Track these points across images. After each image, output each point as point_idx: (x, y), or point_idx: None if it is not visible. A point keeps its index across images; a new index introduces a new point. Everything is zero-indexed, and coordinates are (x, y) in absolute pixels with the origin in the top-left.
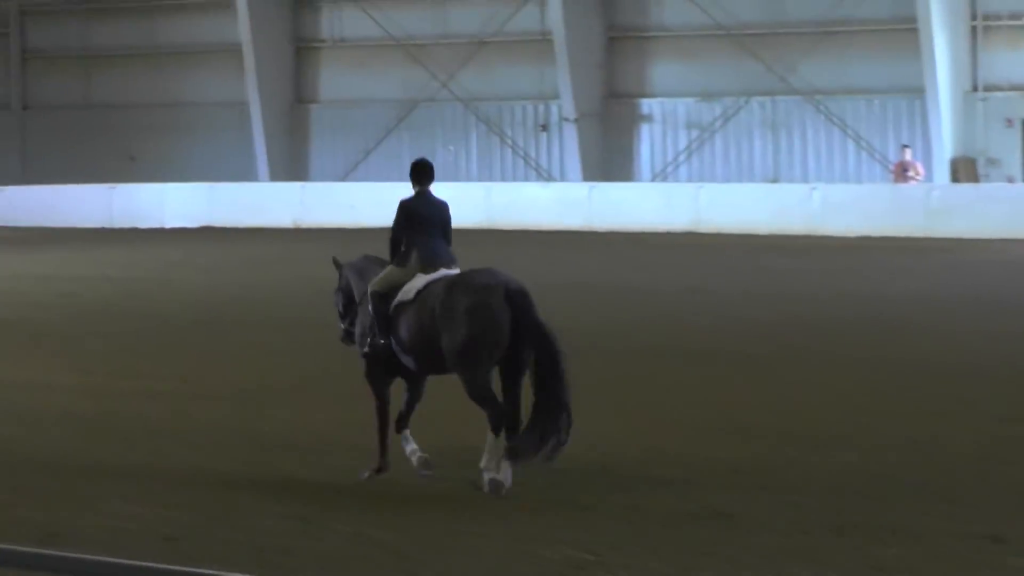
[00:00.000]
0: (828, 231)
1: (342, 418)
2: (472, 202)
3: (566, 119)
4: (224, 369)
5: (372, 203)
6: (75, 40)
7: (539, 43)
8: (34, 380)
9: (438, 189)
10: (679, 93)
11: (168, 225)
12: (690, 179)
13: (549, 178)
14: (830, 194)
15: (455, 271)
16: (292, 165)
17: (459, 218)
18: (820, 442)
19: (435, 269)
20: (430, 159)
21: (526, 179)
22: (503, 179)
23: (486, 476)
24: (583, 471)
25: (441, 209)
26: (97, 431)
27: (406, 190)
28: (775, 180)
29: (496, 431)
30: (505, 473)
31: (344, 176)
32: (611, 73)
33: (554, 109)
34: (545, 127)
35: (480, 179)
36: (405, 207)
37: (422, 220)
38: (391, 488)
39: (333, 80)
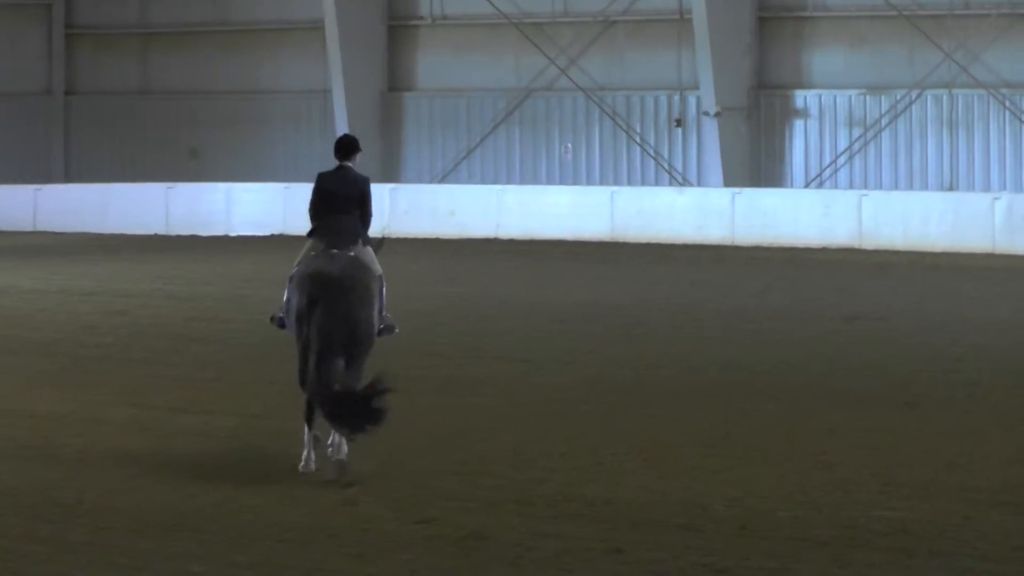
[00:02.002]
0: (1014, 249)
1: (476, 455)
2: (594, 209)
3: (706, 113)
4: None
5: (475, 210)
6: (130, 15)
7: (676, 23)
8: (79, 414)
9: (557, 193)
10: (840, 84)
11: (235, 233)
12: (852, 185)
13: (685, 182)
14: (1017, 205)
15: (349, 251)
16: (382, 164)
17: (578, 227)
18: (1001, 501)
19: (329, 248)
20: (542, 156)
21: (658, 183)
22: (631, 183)
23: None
24: (721, 527)
25: (352, 184)
26: (152, 471)
27: (515, 195)
28: (952, 188)
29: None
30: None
31: (443, 178)
32: (761, 60)
33: (692, 101)
34: (681, 122)
35: (604, 182)
36: (316, 182)
37: (329, 196)
38: None
39: (432, 65)
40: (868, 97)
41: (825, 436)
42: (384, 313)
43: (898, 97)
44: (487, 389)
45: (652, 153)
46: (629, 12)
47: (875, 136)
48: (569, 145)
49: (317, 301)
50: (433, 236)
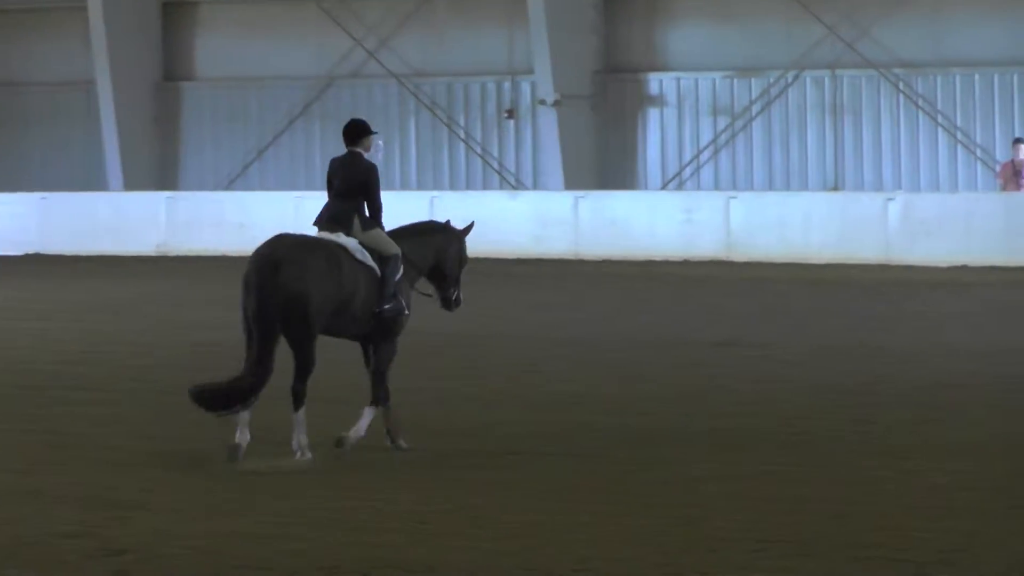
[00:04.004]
0: (912, 258)
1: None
2: (411, 217)
3: (543, 102)
4: (70, 469)
5: (269, 221)
6: None
7: None
8: None
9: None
10: (703, 66)
11: None
12: (718, 186)
13: (519, 185)
14: (914, 207)
15: (336, 236)
16: (157, 167)
17: None
18: (897, 559)
19: (319, 231)
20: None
21: (486, 186)
22: (454, 186)
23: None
24: None
25: (353, 171)
26: None
27: (316, 202)
28: (837, 187)
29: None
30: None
31: (230, 183)
32: (608, 39)
33: (526, 89)
34: (513, 113)
35: (422, 186)
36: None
37: (330, 182)
38: None
39: (215, 49)
40: (736, 80)
41: (690, 485)
42: (396, 294)
43: (772, 80)
44: (287, 435)
45: (479, 151)
46: None
47: (745, 126)
48: (380, 142)
49: (249, 284)
50: (219, 252)
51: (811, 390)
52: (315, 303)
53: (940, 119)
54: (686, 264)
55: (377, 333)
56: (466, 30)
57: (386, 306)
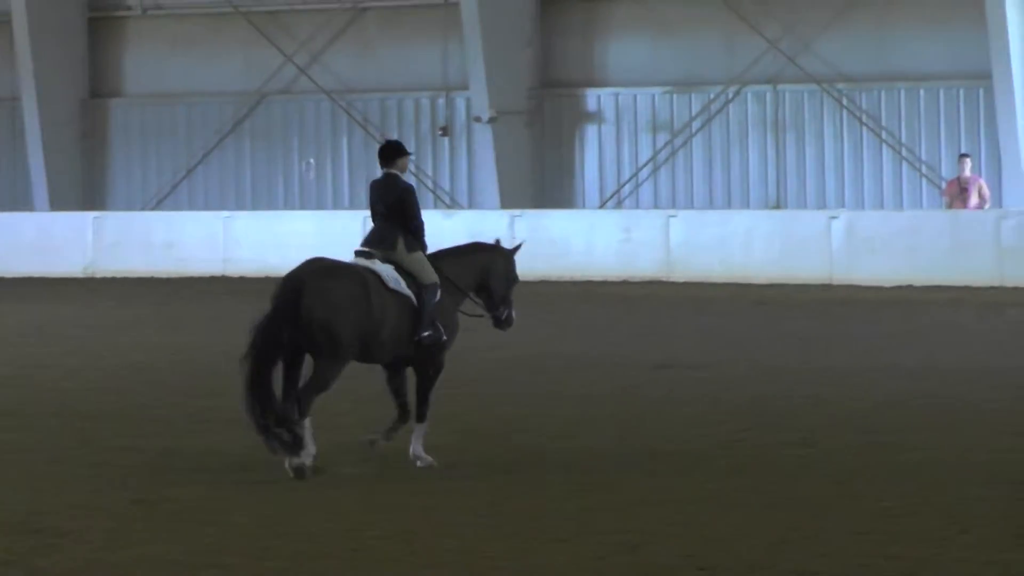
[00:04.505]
0: (855, 278)
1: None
2: (343, 238)
3: (478, 119)
4: None
5: (198, 241)
6: None
7: (440, 10)
8: None
9: (297, 219)
10: (642, 81)
11: None
12: (657, 204)
13: (453, 204)
14: (858, 225)
15: (374, 263)
16: (83, 186)
17: None
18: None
19: (356, 255)
20: (278, 174)
21: (420, 205)
22: None
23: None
24: None
25: (389, 192)
26: None
27: (247, 222)
28: (778, 206)
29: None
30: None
31: (158, 203)
32: (544, 53)
33: (461, 105)
34: (447, 130)
35: (354, 205)
36: None
37: (372, 205)
38: None
39: (143, 65)
40: (676, 96)
41: (629, 510)
42: (434, 321)
43: (712, 95)
44: (213, 461)
45: (413, 169)
46: None
47: (685, 143)
48: (311, 160)
49: (274, 306)
50: (147, 274)
51: (752, 412)
52: (340, 329)
53: (884, 135)
54: (625, 284)
55: (418, 358)
56: (399, 45)
57: (424, 333)
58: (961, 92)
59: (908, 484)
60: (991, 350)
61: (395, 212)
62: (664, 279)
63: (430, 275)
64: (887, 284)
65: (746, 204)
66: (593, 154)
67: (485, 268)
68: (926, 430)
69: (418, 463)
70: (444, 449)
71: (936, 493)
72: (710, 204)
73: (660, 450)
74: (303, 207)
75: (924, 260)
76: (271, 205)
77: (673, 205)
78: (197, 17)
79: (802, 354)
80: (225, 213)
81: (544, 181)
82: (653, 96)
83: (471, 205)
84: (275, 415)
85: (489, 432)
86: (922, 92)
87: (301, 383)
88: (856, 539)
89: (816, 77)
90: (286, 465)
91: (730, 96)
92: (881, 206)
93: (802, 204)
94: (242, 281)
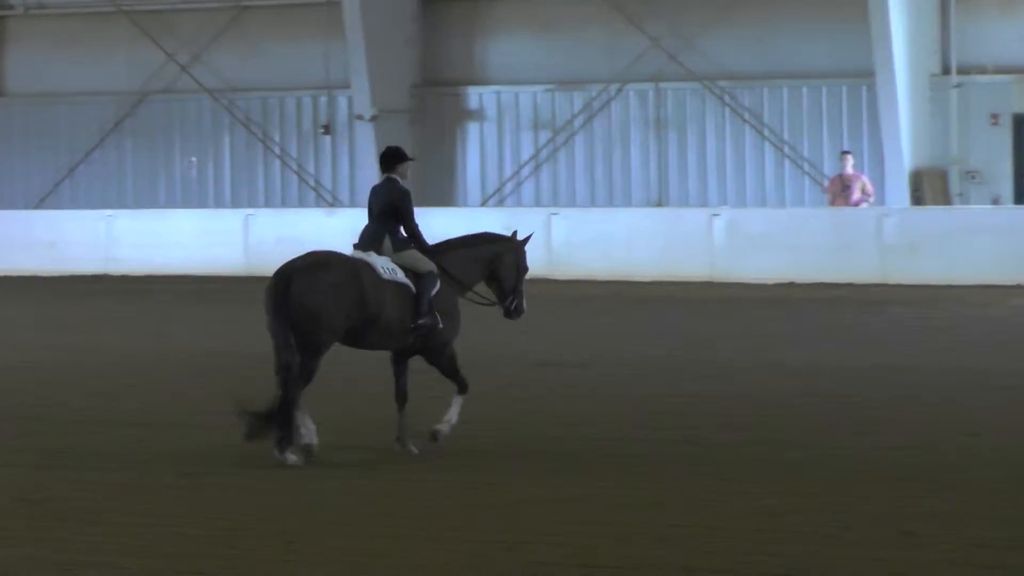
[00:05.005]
0: (737, 276)
1: None
2: (226, 237)
3: (360, 117)
4: None
5: (80, 240)
6: None
7: (323, 9)
8: None
9: (180, 218)
10: (524, 79)
11: None
12: (539, 202)
13: (335, 202)
14: (740, 222)
15: (371, 255)
16: None
17: (207, 258)
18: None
19: (355, 250)
20: (160, 173)
21: (302, 203)
22: (269, 203)
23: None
24: None
25: (382, 195)
26: None
27: (129, 221)
28: (660, 204)
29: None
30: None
31: (40, 202)
32: (426, 51)
33: (343, 103)
34: (329, 129)
35: (236, 204)
36: None
37: (370, 206)
38: None
39: (24, 64)
40: (558, 94)
41: (510, 510)
42: (431, 310)
43: (594, 93)
44: (96, 461)
45: (295, 167)
46: None
47: (567, 141)
48: (193, 159)
49: (267, 297)
50: (29, 273)
51: (636, 410)
52: (326, 318)
53: (767, 132)
54: None
55: (425, 346)
56: (282, 43)
57: (420, 321)
58: (844, 90)
59: (791, 482)
60: (873, 348)
61: (387, 215)
62: (546, 277)
63: (425, 264)
64: (770, 281)
65: (628, 202)
66: (475, 152)
67: (493, 259)
68: (809, 428)
69: (440, 430)
70: (323, 447)
71: (819, 491)
72: (592, 202)
73: (543, 448)
74: (185, 206)
75: (806, 258)
76: (153, 204)
77: (555, 203)
78: (80, 16)
79: (685, 352)
80: (107, 212)
81: (426, 179)
82: (535, 94)
83: (353, 203)
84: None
85: (371, 432)
86: (805, 90)
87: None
88: (738, 536)
89: (699, 75)
90: (275, 455)
91: (612, 94)
92: (764, 204)
93: (684, 202)
94: (124, 280)
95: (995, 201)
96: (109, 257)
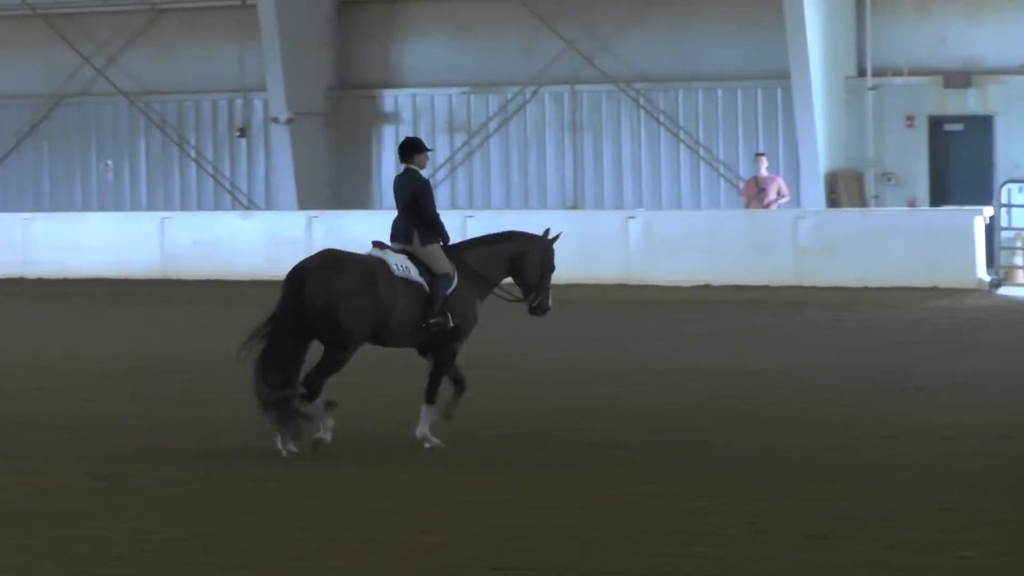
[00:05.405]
0: (653, 278)
1: None
2: (141, 239)
3: (275, 120)
4: None
5: None
6: None
7: (238, 12)
8: None
9: (96, 221)
10: (440, 82)
11: None
12: (455, 204)
13: (251, 205)
14: (656, 225)
15: (386, 253)
16: None
17: (123, 261)
18: None
19: (373, 246)
20: (76, 176)
21: (218, 206)
22: (185, 206)
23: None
24: None
25: (401, 186)
26: None
27: (44, 224)
28: (575, 206)
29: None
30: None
31: None
32: (341, 54)
33: (258, 106)
34: (245, 132)
35: (152, 207)
36: None
37: (394, 199)
38: None
39: None
40: (473, 96)
41: (429, 512)
42: (443, 310)
43: (510, 96)
44: (11, 464)
45: (211, 170)
46: None
47: (482, 143)
48: (109, 162)
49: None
50: None
51: (553, 412)
52: (342, 316)
53: (682, 135)
54: None
55: (435, 343)
56: (197, 47)
57: (432, 320)
58: (759, 92)
59: (709, 484)
60: (789, 350)
61: (410, 207)
62: None
63: (442, 266)
64: (685, 284)
65: (544, 204)
66: (391, 155)
67: (514, 256)
68: (726, 430)
69: (426, 445)
70: (238, 450)
71: (736, 493)
72: (508, 204)
73: (461, 451)
74: (101, 209)
75: (722, 260)
76: (69, 207)
77: (471, 205)
78: None
79: (601, 354)
80: (23, 215)
81: (341, 182)
82: (450, 97)
83: (269, 206)
84: (278, 397)
85: None
86: (720, 92)
87: (304, 369)
88: (659, 538)
89: (614, 77)
90: (278, 445)
91: (528, 96)
92: (679, 206)
93: (600, 204)
94: (40, 283)
95: (911, 203)
96: (26, 260)
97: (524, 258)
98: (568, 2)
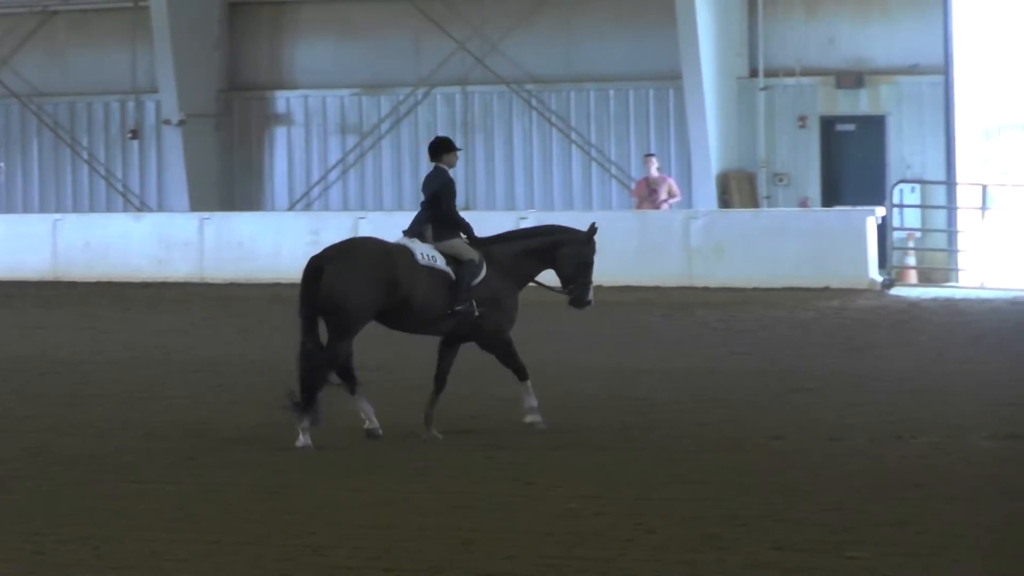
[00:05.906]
0: (543, 279)
1: None
2: (32, 241)
3: (167, 122)
4: None
5: None
6: None
7: (130, 14)
8: None
9: None
10: (330, 83)
11: None
12: (346, 206)
13: (143, 207)
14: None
15: (413, 242)
16: None
17: (13, 263)
18: None
19: (402, 235)
20: None
21: (110, 208)
22: (77, 208)
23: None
24: None
25: (428, 182)
26: None
27: None
28: (467, 207)
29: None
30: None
31: None
32: (232, 56)
33: (151, 108)
34: (137, 133)
35: (44, 208)
36: None
37: (422, 194)
38: None
39: None
40: (364, 98)
41: (314, 513)
42: (468, 297)
43: (401, 97)
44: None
45: (103, 172)
46: (72, 1)
47: (374, 145)
48: (1, 164)
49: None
50: None
51: (439, 414)
52: (351, 304)
53: (574, 136)
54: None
55: (471, 333)
56: (89, 49)
57: (458, 307)
58: (651, 92)
59: (593, 485)
60: (679, 350)
61: (432, 203)
62: None
63: (467, 253)
64: None
65: None
66: (282, 156)
67: (546, 250)
68: (612, 431)
69: (527, 418)
70: (125, 452)
71: (622, 494)
72: (399, 206)
73: (347, 453)
74: None
75: (613, 260)
76: None
77: (362, 207)
78: None
79: (487, 355)
80: None
81: (233, 183)
82: (342, 98)
83: (161, 208)
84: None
85: (173, 436)
86: (611, 92)
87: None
88: (543, 540)
89: (505, 78)
90: (300, 433)
91: (419, 98)
92: (571, 207)
93: (492, 205)
94: None
95: (803, 203)
96: None
97: (558, 252)
98: (458, 3)
